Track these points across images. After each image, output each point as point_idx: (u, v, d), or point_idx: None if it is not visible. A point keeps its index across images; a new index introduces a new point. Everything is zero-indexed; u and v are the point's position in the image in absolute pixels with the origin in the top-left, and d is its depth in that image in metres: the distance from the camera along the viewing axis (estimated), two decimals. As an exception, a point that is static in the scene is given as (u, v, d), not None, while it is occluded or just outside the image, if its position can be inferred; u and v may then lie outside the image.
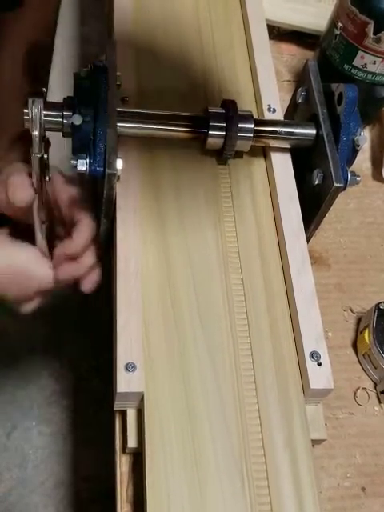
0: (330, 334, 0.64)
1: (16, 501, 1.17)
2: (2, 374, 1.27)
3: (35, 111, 0.51)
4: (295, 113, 0.67)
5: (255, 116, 0.61)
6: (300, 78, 0.65)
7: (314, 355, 0.52)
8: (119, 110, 0.57)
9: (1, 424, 1.23)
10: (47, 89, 0.68)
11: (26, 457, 1.21)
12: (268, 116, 0.65)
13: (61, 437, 1.23)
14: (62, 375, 1.29)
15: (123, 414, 0.52)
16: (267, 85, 0.68)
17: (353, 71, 0.72)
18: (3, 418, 1.23)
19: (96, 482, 1.18)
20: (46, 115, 0.54)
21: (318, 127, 0.60)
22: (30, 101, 0.51)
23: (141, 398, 0.49)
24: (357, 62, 0.71)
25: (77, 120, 0.53)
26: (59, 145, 0.61)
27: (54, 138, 0.56)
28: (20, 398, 1.26)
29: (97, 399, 1.23)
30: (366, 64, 0.71)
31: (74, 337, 1.31)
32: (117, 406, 0.51)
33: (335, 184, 0.56)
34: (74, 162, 0.55)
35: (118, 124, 0.56)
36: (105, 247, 0.61)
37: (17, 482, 1.18)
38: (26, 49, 0.65)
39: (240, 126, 0.58)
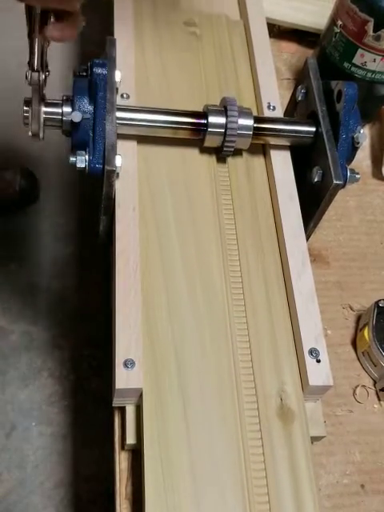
0: (329, 331, 0.64)
1: (15, 501, 1.16)
2: (2, 373, 1.27)
3: None
4: (295, 110, 0.67)
5: (255, 114, 0.61)
6: (300, 76, 0.65)
7: (313, 352, 0.52)
8: (118, 106, 0.57)
9: (1, 424, 1.23)
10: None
11: (25, 457, 1.20)
12: (268, 114, 0.65)
13: (61, 437, 1.23)
14: (62, 375, 1.28)
15: (122, 410, 0.52)
16: (267, 83, 0.68)
17: (352, 69, 0.72)
18: (3, 418, 1.23)
19: (96, 482, 1.18)
20: (45, 112, 0.54)
21: (317, 125, 0.60)
22: None
23: (139, 395, 0.49)
24: (356, 59, 0.71)
25: (76, 117, 0.53)
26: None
27: None
28: (20, 398, 1.25)
29: (97, 399, 1.23)
30: (365, 62, 0.71)
31: (73, 336, 1.31)
32: (116, 402, 0.51)
33: (334, 181, 0.56)
34: (73, 159, 0.55)
35: (117, 121, 0.56)
36: (104, 245, 0.61)
37: (16, 482, 1.18)
38: None
39: (239, 123, 0.58)
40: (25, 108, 0.54)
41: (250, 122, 0.59)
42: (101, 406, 1.18)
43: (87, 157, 0.55)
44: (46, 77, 0.52)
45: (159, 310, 0.53)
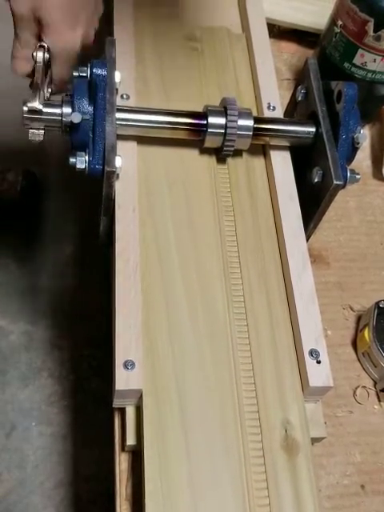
0: (329, 332, 0.64)
1: (16, 502, 1.16)
2: (2, 373, 1.27)
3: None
4: (295, 111, 0.66)
5: (255, 114, 0.61)
6: (300, 76, 0.65)
7: (313, 353, 0.52)
8: (118, 107, 0.57)
9: (1, 424, 1.23)
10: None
11: (25, 457, 1.20)
12: (268, 114, 0.65)
13: (61, 437, 1.23)
14: (62, 375, 1.29)
15: (122, 411, 0.52)
16: (267, 83, 0.68)
17: (353, 69, 0.72)
18: (3, 418, 1.23)
19: (96, 482, 1.18)
20: (45, 113, 0.54)
21: (317, 125, 0.60)
22: None
23: (139, 396, 0.49)
24: (357, 60, 0.71)
25: (76, 118, 0.53)
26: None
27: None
28: (20, 398, 1.25)
29: (97, 399, 1.23)
30: (365, 62, 0.71)
31: (73, 337, 1.31)
32: (116, 403, 0.51)
33: (335, 182, 0.56)
34: (73, 160, 0.55)
35: (117, 122, 0.56)
36: (104, 245, 0.61)
37: (16, 482, 1.18)
38: None
39: (239, 123, 0.58)
40: (24, 109, 0.54)
41: (249, 123, 0.59)
42: (101, 406, 1.18)
43: (87, 158, 0.55)
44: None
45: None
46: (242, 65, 0.70)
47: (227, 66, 0.70)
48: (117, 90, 0.59)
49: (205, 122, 0.58)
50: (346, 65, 0.73)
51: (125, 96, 0.62)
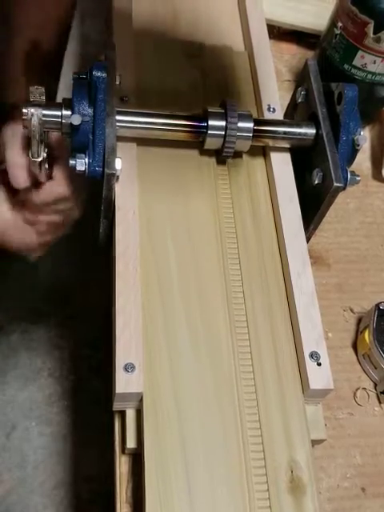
0: (329, 334, 0.64)
1: (16, 501, 1.17)
2: (1, 373, 1.27)
3: (34, 120, 0.53)
4: (295, 112, 0.66)
5: (255, 116, 0.61)
6: (300, 78, 0.65)
7: (314, 355, 0.52)
8: (118, 109, 0.57)
9: (1, 424, 1.23)
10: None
11: (25, 457, 1.21)
12: (268, 116, 0.65)
13: (61, 437, 1.23)
14: (62, 375, 1.29)
15: (122, 414, 0.52)
16: (267, 84, 0.68)
17: (353, 71, 0.72)
18: (3, 418, 1.23)
19: (96, 482, 1.18)
20: (45, 115, 0.54)
21: (317, 127, 0.60)
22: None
23: (140, 399, 0.49)
24: (357, 61, 0.71)
25: (76, 120, 0.53)
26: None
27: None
28: (20, 398, 1.26)
29: (97, 399, 1.23)
30: (365, 64, 0.71)
31: (73, 337, 1.31)
32: (116, 406, 0.51)
33: (335, 184, 0.56)
34: (73, 162, 0.55)
35: (117, 124, 0.56)
36: (104, 247, 0.61)
37: (17, 482, 1.18)
38: (28, 48, 0.65)
39: (239, 125, 0.58)
40: (24, 110, 0.54)
41: (249, 125, 0.59)
42: (100, 407, 1.18)
43: (87, 160, 0.55)
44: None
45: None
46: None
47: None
48: (117, 91, 0.59)
49: (205, 124, 0.58)
50: (346, 66, 0.73)
51: (125, 98, 0.62)
